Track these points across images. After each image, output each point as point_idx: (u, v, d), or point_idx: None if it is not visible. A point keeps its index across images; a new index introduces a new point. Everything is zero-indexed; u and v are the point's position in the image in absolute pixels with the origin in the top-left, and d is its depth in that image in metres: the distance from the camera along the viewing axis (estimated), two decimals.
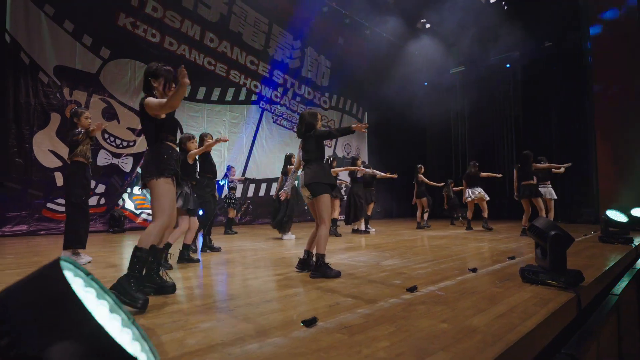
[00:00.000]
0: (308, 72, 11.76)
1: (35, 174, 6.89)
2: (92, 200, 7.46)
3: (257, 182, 10.30)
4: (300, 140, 3.48)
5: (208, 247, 4.71)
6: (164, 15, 8.64)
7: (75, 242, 3.84)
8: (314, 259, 3.19)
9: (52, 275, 0.61)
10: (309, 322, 1.84)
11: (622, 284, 3.14)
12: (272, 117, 10.75)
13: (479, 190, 7.72)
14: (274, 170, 10.52)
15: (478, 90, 12.83)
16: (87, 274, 0.88)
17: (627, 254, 4.28)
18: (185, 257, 3.79)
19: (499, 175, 8.27)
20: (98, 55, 7.72)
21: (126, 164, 8.05)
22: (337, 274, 3.07)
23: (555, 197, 7.23)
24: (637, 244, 5.15)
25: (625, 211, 6.04)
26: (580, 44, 10.13)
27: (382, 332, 1.73)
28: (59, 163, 7.13)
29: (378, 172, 7.50)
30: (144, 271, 2.38)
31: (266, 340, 1.64)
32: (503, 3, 10.65)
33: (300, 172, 3.48)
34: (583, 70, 10.10)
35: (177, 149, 2.68)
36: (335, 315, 1.99)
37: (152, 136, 2.49)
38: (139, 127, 8.27)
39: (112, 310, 0.91)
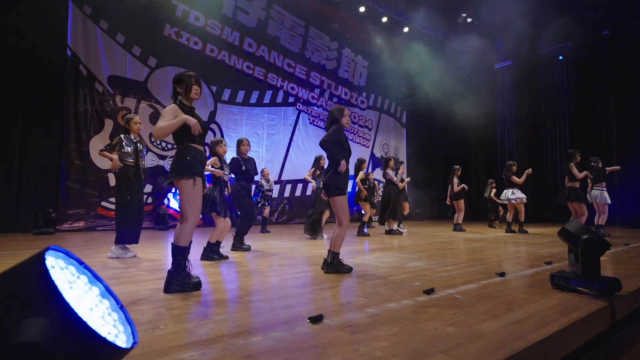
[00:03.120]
0: (345, 72, 11.77)
1: (91, 175, 7.55)
2: None
3: (294, 183, 10.49)
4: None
5: (237, 246, 4.87)
6: (205, 23, 9.09)
7: (123, 238, 4.16)
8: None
9: (35, 261, 0.71)
10: (315, 319, 1.88)
11: None
12: (309, 118, 10.90)
13: (516, 192, 7.30)
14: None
15: (526, 86, 12.11)
16: (81, 263, 1.00)
17: None
18: (210, 255, 3.96)
19: (527, 174, 7.27)
20: (146, 64, 8.30)
21: None
22: (349, 270, 3.25)
23: (609, 202, 6.65)
24: None
25: None
26: None
27: (384, 333, 1.73)
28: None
29: (399, 180, 7.35)
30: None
31: (270, 334, 1.71)
32: None
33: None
34: None
35: (204, 150, 2.83)
36: (343, 314, 2.02)
37: (178, 138, 2.68)
38: None
39: (102, 295, 1.02)
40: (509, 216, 7.50)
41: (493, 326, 1.82)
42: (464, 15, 11.31)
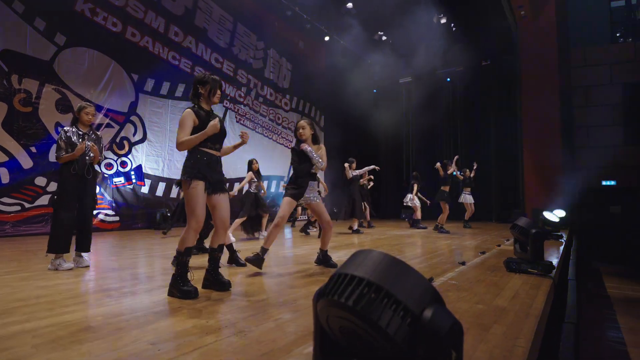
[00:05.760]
0: (270, 73, 11.85)
1: None
2: (43, 200, 6.86)
3: None
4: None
5: (197, 247, 4.70)
6: (126, 3, 8.17)
7: (53, 247, 3.56)
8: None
9: (388, 259, 0.87)
10: None
11: (571, 271, 3.91)
12: (236, 117, 10.68)
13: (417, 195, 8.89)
14: (237, 170, 10.49)
15: (423, 101, 14.01)
16: None
17: (563, 248, 5.23)
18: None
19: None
20: (52, 42, 7.08)
21: None
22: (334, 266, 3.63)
23: (472, 202, 8.69)
24: (564, 239, 6.25)
25: (551, 212, 7.26)
26: (514, 67, 11.66)
27: None
28: (4, 157, 6.44)
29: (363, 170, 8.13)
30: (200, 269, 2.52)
31: None
32: (452, 24, 11.81)
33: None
34: (515, 90, 11.66)
35: (216, 154, 2.78)
36: None
37: None
38: (97, 121, 7.73)
39: None
40: (417, 214, 8.80)
41: (504, 302, 2.36)
42: (380, 33, 12.51)
